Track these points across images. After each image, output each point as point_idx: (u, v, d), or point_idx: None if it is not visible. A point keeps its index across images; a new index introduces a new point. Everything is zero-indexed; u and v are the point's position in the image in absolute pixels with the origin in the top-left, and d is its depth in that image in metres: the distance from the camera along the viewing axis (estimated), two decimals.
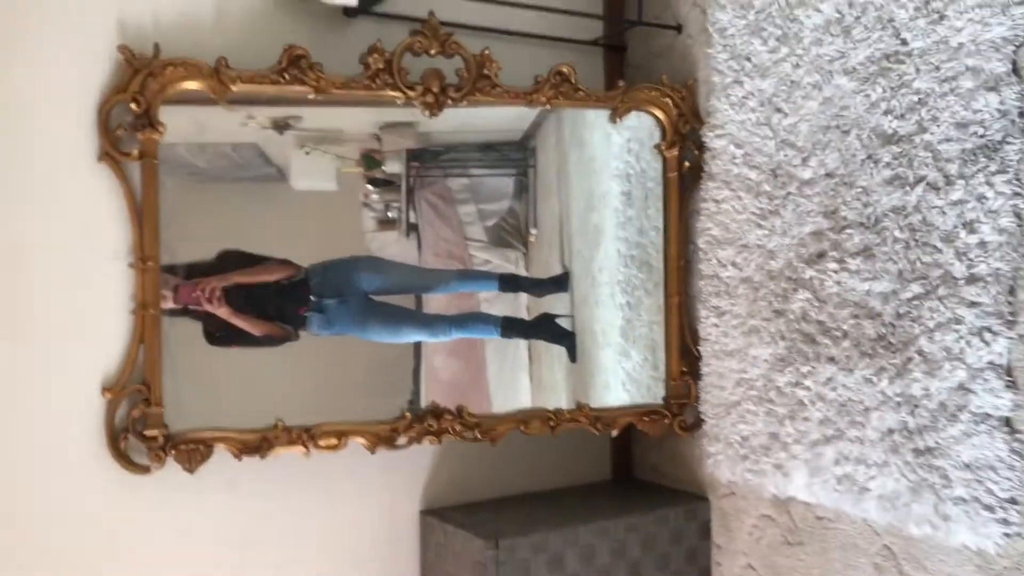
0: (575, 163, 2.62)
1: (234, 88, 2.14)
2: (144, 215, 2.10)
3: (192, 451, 2.12)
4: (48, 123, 2.06)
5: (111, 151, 2.08)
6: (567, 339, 2.55)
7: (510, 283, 2.54)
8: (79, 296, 2.09)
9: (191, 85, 2.12)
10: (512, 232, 2.56)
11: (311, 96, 2.20)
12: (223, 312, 2.20)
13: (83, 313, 2.09)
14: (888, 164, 1.93)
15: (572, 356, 2.56)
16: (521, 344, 2.55)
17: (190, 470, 2.11)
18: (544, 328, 2.55)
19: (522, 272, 2.56)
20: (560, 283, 2.57)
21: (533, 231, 2.58)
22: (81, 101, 2.08)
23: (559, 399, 2.51)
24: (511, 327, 2.52)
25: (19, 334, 2.04)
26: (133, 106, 2.07)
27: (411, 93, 2.27)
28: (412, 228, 2.45)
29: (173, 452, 2.10)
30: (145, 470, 2.11)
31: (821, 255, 2.06)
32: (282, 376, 2.30)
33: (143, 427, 2.10)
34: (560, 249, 2.60)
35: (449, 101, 2.31)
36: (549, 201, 2.60)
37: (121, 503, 2.13)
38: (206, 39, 2.19)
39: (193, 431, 2.13)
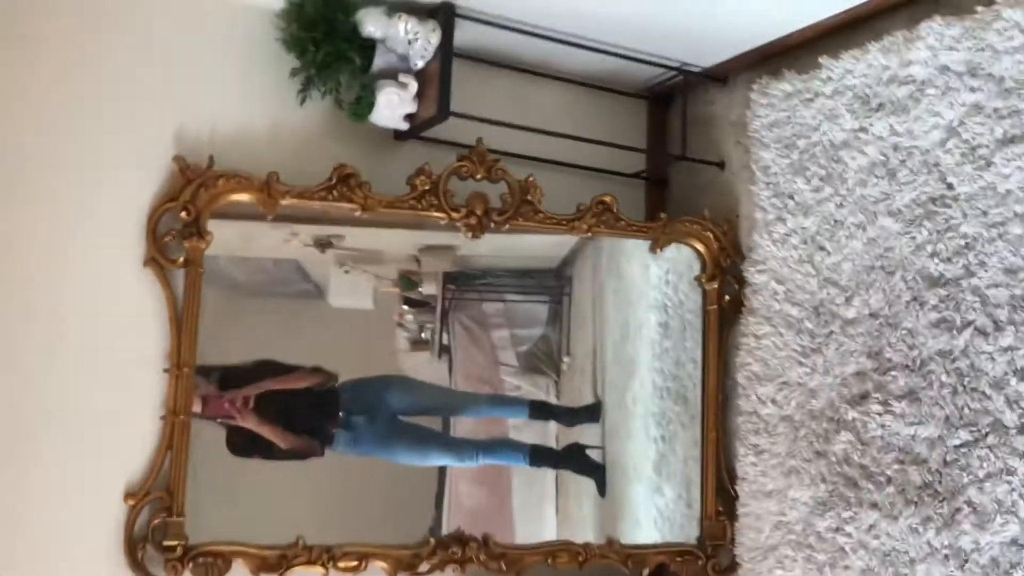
0: (612, 292, 2.61)
1: (283, 203, 2.18)
2: (184, 322, 2.11)
3: (210, 564, 2.06)
4: (99, 224, 2.10)
5: (157, 257, 2.11)
6: (597, 471, 2.49)
7: (540, 411, 2.50)
8: (111, 398, 2.07)
9: (241, 197, 2.16)
10: (545, 359, 2.54)
11: (357, 214, 2.23)
12: (251, 421, 2.18)
13: (113, 416, 2.07)
14: (934, 307, 1.90)
15: (601, 489, 2.49)
16: (549, 474, 2.49)
17: None
18: (574, 459, 2.50)
19: (553, 400, 2.53)
20: (592, 413, 2.53)
21: (566, 359, 2.55)
22: (133, 206, 2.12)
23: (586, 533, 2.42)
24: (540, 456, 2.47)
25: (48, 432, 2.02)
26: (183, 214, 2.11)
27: (455, 215, 2.30)
28: (444, 350, 2.44)
29: (191, 565, 2.05)
30: None
31: (864, 396, 2.01)
32: (305, 492, 2.26)
33: (163, 537, 2.04)
34: (593, 378, 2.57)
35: (492, 224, 2.34)
36: (583, 329, 2.59)
37: None
38: (259, 154, 2.23)
39: (212, 543, 2.07)
